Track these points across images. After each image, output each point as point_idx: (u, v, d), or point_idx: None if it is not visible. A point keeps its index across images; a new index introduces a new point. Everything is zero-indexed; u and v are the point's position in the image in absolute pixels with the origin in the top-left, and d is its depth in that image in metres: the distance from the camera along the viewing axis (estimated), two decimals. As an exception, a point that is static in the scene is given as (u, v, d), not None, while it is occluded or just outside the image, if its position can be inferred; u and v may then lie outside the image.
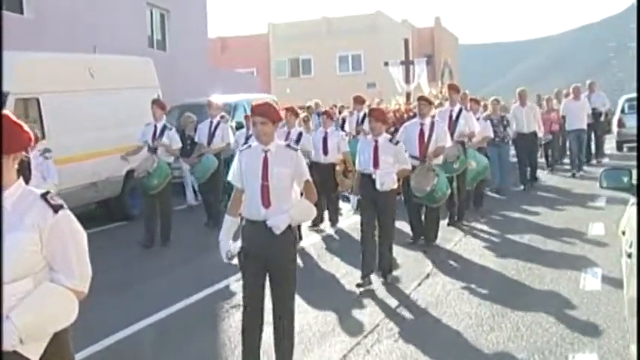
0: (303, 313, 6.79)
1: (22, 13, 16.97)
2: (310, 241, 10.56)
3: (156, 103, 11.02)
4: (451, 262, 8.92)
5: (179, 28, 23.64)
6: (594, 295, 7.02)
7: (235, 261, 5.18)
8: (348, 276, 8.26)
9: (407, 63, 19.03)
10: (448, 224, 10.80)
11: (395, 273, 8.18)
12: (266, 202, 5.05)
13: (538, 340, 5.86)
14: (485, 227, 11.05)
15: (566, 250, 9.19)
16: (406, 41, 19.70)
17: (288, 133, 10.37)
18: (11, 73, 10.71)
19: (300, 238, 9.79)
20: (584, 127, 16.60)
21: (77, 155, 11.49)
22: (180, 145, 10.91)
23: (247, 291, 5.18)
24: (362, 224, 7.99)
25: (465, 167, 10.76)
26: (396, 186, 7.88)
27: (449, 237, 10.25)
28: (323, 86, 35.39)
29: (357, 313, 6.93)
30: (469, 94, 16.99)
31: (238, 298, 7.28)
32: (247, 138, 10.71)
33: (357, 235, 8.98)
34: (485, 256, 9.16)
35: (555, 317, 6.43)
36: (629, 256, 4.18)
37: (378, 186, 7.65)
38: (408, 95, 17.58)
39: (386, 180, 7.65)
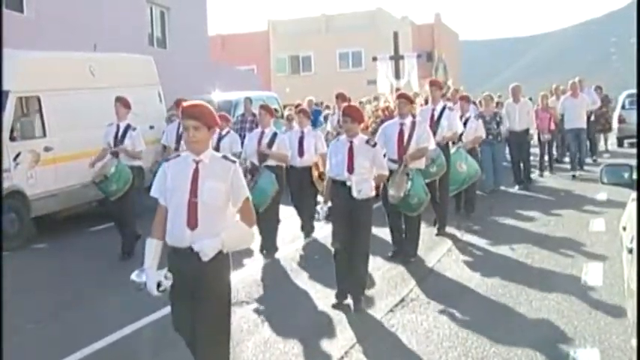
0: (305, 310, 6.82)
1: (22, 11, 16.98)
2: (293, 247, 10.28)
3: (119, 100, 10.14)
4: (441, 270, 8.80)
5: (179, 25, 23.64)
6: (596, 291, 7.02)
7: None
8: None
9: (396, 58, 18.35)
10: (437, 234, 10.02)
11: (370, 292, 7.32)
12: (192, 223, 4.26)
13: (540, 335, 5.86)
14: (479, 230, 10.46)
15: (567, 245, 9.18)
16: (395, 34, 18.93)
17: (262, 133, 9.57)
18: (12, 72, 10.73)
19: (276, 249, 9.43)
20: (584, 125, 15.89)
21: (78, 153, 11.49)
22: (143, 147, 10.20)
23: (176, 325, 4.50)
24: (334, 237, 7.05)
25: (444, 171, 9.62)
26: (374, 194, 7.04)
27: (438, 246, 9.59)
28: (323, 83, 35.36)
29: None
30: (463, 90, 16.76)
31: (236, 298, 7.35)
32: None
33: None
34: (482, 256, 9.15)
35: (557, 312, 6.44)
36: (630, 251, 4.19)
37: (354, 193, 6.76)
38: (398, 91, 16.85)
39: (363, 187, 6.81)
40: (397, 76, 17.88)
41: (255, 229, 4.76)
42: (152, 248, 4.40)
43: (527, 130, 14.46)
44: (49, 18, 16.89)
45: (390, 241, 9.00)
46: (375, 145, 7.11)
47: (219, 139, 11.28)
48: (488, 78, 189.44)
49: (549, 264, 8.26)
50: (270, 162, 9.46)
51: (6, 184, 10.43)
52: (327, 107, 18.97)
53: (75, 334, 6.63)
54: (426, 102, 15.01)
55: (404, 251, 8.70)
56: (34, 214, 11.07)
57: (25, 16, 16.92)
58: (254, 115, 13.51)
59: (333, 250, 7.07)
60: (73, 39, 15.86)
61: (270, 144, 9.47)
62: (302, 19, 45.96)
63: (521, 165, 14.51)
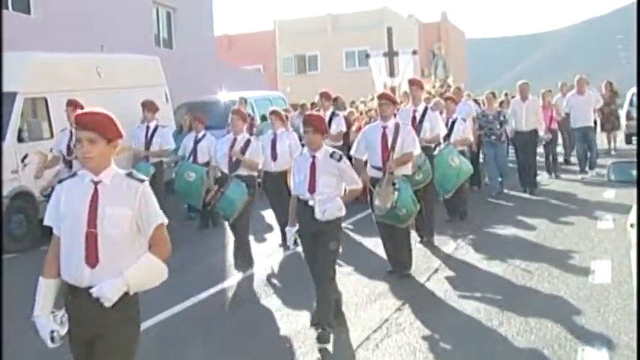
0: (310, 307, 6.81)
1: (29, 13, 17.05)
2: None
3: (71, 104, 9.68)
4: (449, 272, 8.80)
5: (185, 26, 23.70)
6: (604, 288, 7.00)
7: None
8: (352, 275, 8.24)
9: (390, 54, 17.36)
10: (420, 242, 9.37)
11: (351, 313, 6.67)
12: (92, 259, 3.49)
13: (547, 333, 5.85)
14: (481, 231, 10.32)
15: (575, 243, 9.16)
16: (389, 30, 17.87)
17: (234, 140, 8.75)
18: (19, 73, 10.78)
19: (251, 263, 8.78)
20: (591, 124, 15.34)
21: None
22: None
23: None
24: (310, 266, 6.35)
25: (430, 178, 8.95)
26: (342, 213, 6.23)
27: (444, 244, 9.39)
28: (330, 83, 35.30)
29: (366, 308, 6.93)
30: (464, 89, 16.41)
31: (236, 299, 7.36)
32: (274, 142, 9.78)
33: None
34: (487, 252, 9.13)
35: (565, 310, 6.42)
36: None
37: (317, 215, 6.04)
38: (392, 90, 15.50)
39: (328, 207, 6.06)
40: (391, 73, 17.03)
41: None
42: (42, 291, 3.61)
43: (534, 131, 13.46)
44: (56, 19, 16.95)
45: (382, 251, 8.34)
46: (340, 158, 6.19)
47: (196, 142, 11.17)
48: (495, 76, 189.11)
49: (557, 262, 8.23)
50: (241, 171, 8.70)
51: (14, 185, 10.46)
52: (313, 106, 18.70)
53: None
54: (433, 96, 14.61)
55: (397, 265, 8.05)
56: (42, 216, 11.07)
57: (33, 17, 16.99)
58: (249, 116, 12.97)
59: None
60: (79, 40, 15.92)
61: (243, 152, 8.72)
62: (308, 18, 45.96)
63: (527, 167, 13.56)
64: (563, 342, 5.61)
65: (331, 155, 6.19)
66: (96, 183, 3.57)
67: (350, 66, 42.57)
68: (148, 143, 10.98)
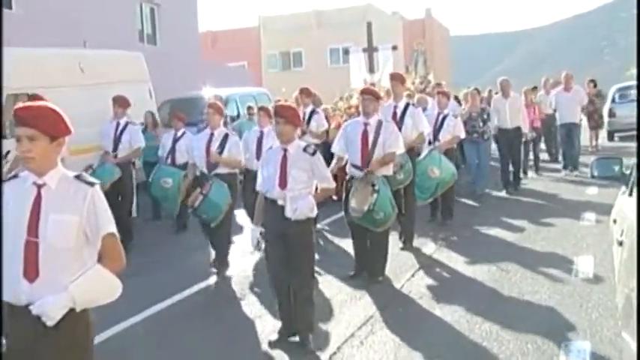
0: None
1: (10, 8, 16.90)
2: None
3: (35, 99, 9.33)
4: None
5: (169, 22, 23.60)
6: (587, 284, 7.05)
7: None
8: (340, 268, 8.24)
9: (370, 50, 17.00)
10: (402, 248, 9.00)
11: (323, 323, 6.35)
12: (31, 272, 3.10)
13: (531, 328, 5.87)
14: (461, 232, 10.02)
15: (558, 239, 9.21)
16: (369, 24, 17.43)
17: (211, 135, 8.40)
18: (1, 69, 10.67)
19: (228, 266, 8.51)
20: (577, 120, 15.02)
21: (68, 150, 11.44)
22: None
23: None
24: (270, 270, 5.91)
25: (411, 178, 8.61)
26: (314, 213, 5.84)
27: (410, 259, 8.72)
28: (314, 79, 35.29)
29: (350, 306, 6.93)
30: (445, 85, 16.04)
31: (212, 301, 7.30)
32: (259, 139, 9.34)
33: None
34: (469, 251, 9.15)
35: (548, 306, 6.47)
36: (621, 244, 4.20)
37: (288, 213, 5.63)
38: (372, 86, 14.68)
39: (299, 205, 5.65)
40: (371, 69, 16.64)
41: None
42: None
43: (518, 128, 13.11)
44: (39, 15, 16.82)
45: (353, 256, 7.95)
46: (314, 152, 5.80)
47: (175, 141, 10.78)
48: (479, 73, 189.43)
49: (540, 258, 8.28)
50: (222, 169, 8.37)
51: (-4, 182, 10.35)
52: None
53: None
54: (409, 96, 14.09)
55: (369, 270, 7.66)
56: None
57: (14, 12, 16.84)
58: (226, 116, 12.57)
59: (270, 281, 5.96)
60: (62, 36, 15.78)
61: (221, 148, 8.37)
62: (292, 14, 45.92)
63: (510, 166, 13.28)
64: (546, 337, 5.64)
65: (304, 149, 5.80)
66: (39, 186, 3.19)
67: (334, 62, 42.53)
68: (117, 140, 10.33)
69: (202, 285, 8.15)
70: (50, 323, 3.06)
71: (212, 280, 8.33)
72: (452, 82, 42.74)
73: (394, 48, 17.95)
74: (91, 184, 3.24)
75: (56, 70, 12.07)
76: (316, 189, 5.94)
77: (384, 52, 17.13)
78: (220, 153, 8.38)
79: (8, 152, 10.76)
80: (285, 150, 5.79)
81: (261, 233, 5.91)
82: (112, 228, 3.25)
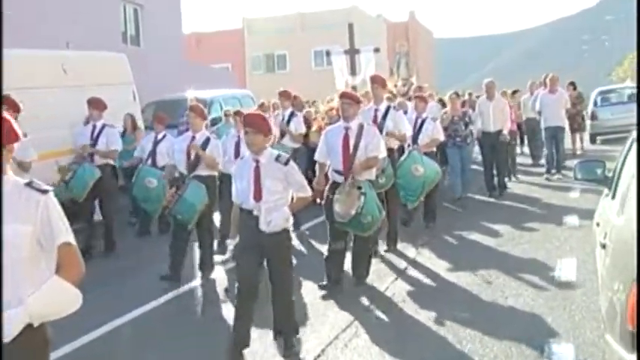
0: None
1: (-7, 9, 16.77)
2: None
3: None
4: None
5: (153, 23, 23.51)
6: (570, 286, 7.08)
7: None
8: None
9: (352, 52, 16.93)
10: (386, 250, 9.01)
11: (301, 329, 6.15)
12: None
13: (514, 331, 5.89)
14: (442, 242, 9.81)
15: (541, 242, 9.24)
16: (350, 26, 17.37)
17: (193, 138, 8.35)
18: (-18, 70, 10.58)
19: (212, 269, 8.48)
20: (562, 124, 14.82)
21: (50, 152, 11.34)
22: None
23: None
24: (240, 282, 5.69)
25: (392, 182, 8.60)
26: (289, 224, 5.75)
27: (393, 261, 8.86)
28: (298, 82, 35.36)
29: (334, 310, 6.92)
30: (428, 87, 15.82)
31: (195, 304, 7.24)
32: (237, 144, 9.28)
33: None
34: (452, 253, 9.17)
35: (531, 308, 6.49)
36: (604, 247, 4.22)
37: (262, 226, 5.54)
38: (354, 89, 14.58)
39: (274, 217, 5.54)
40: (353, 71, 16.56)
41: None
42: None
43: (501, 131, 12.92)
44: (21, 15, 16.69)
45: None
46: (287, 162, 5.69)
47: (155, 143, 10.55)
48: (462, 76, 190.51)
49: (524, 260, 8.31)
50: (201, 171, 8.34)
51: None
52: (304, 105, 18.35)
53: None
54: (394, 95, 13.79)
55: (354, 273, 7.60)
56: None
57: (-4, 13, 16.71)
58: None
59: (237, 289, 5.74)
60: (45, 37, 15.70)
61: (203, 150, 8.36)
62: (277, 17, 46.00)
63: (494, 170, 13.12)
64: (530, 339, 5.66)
65: (277, 158, 5.67)
66: None
67: (319, 65, 42.58)
68: (94, 143, 10.12)
69: (186, 288, 8.09)
70: (6, 340, 2.88)
71: (197, 283, 8.29)
72: (436, 85, 42.92)
73: (376, 50, 17.84)
74: (44, 192, 3.04)
75: (39, 72, 11.99)
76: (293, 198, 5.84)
77: (366, 54, 17.01)
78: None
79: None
80: (257, 161, 5.66)
81: (235, 246, 5.81)
82: (68, 237, 3.07)
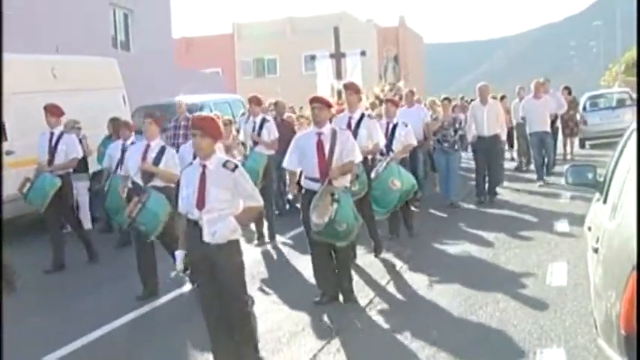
0: (277, 311, 6.79)
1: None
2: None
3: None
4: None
5: (143, 28, 23.47)
6: (561, 291, 7.08)
7: None
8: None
9: (337, 56, 16.64)
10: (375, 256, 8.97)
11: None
12: None
13: (505, 335, 5.90)
14: (430, 249, 9.61)
15: (532, 246, 9.26)
16: (336, 30, 16.99)
17: (147, 146, 7.95)
18: (-29, 75, 10.54)
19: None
20: (547, 129, 14.55)
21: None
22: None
23: None
24: (205, 314, 5.35)
25: (366, 190, 8.42)
26: (236, 236, 5.28)
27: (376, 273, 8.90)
28: (288, 86, 35.36)
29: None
30: (416, 92, 15.78)
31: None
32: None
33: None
34: (443, 259, 9.17)
35: (522, 313, 6.49)
36: (595, 251, 4.23)
37: (206, 237, 5.15)
38: (339, 93, 14.68)
39: (219, 227, 5.14)
40: (339, 75, 16.28)
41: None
42: None
43: (497, 136, 12.73)
44: (11, 20, 16.61)
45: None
46: (235, 168, 5.25)
47: (123, 151, 9.80)
48: (451, 81, 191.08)
49: (515, 265, 8.32)
50: (158, 182, 7.90)
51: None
52: (293, 111, 18.20)
53: (43, 337, 6.54)
54: (380, 101, 13.30)
55: (342, 292, 7.20)
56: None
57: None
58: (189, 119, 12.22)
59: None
60: (35, 41, 15.65)
61: (157, 160, 7.91)
62: (267, 21, 46.00)
63: (486, 177, 12.90)
64: (521, 344, 5.67)
65: (224, 164, 5.26)
66: None
67: (309, 69, 42.45)
68: (53, 151, 9.63)
69: (173, 294, 8.02)
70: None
71: (185, 289, 8.19)
72: (425, 89, 42.98)
73: (362, 53, 17.56)
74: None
75: (28, 76, 11.97)
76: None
77: (352, 58, 16.78)
78: (156, 165, 7.94)
79: None
80: (204, 166, 5.26)
81: (186, 257, 5.35)
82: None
